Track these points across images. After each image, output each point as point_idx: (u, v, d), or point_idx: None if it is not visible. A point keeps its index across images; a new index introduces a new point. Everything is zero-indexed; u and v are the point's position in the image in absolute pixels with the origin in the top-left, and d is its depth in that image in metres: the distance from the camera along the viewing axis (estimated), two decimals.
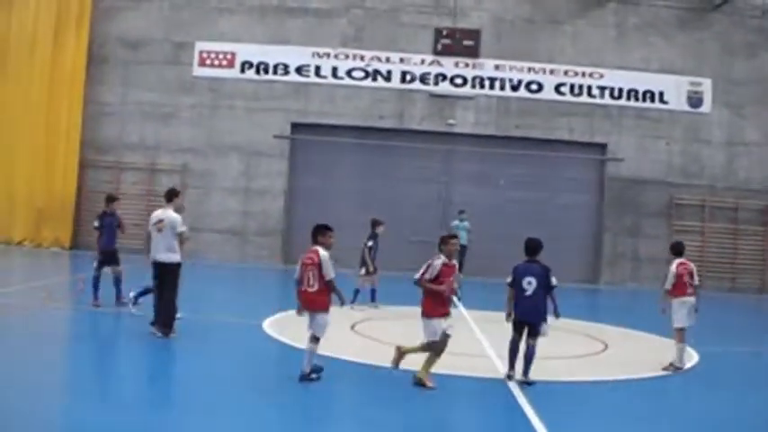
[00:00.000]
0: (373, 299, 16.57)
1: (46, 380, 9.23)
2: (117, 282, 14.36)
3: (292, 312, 14.80)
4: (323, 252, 9.66)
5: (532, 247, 10.37)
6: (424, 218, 24.85)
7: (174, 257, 11.96)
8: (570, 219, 25.10)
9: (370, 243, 16.58)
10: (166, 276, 11.94)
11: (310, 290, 9.59)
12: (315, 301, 9.61)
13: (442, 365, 10.42)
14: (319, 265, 9.52)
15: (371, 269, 16.43)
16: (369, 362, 10.93)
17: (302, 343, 11.63)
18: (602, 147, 25.66)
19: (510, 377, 10.13)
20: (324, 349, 10.23)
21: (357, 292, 16.26)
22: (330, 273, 9.52)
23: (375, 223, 16.85)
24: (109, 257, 14.31)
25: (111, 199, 14.87)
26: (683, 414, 9.73)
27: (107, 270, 14.34)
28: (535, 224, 24.60)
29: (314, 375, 9.60)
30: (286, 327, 13.26)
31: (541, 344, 10.39)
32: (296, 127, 25.61)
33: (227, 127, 25.36)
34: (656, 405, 10.02)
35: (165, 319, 11.87)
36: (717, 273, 24.75)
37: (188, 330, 12.19)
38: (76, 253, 24.21)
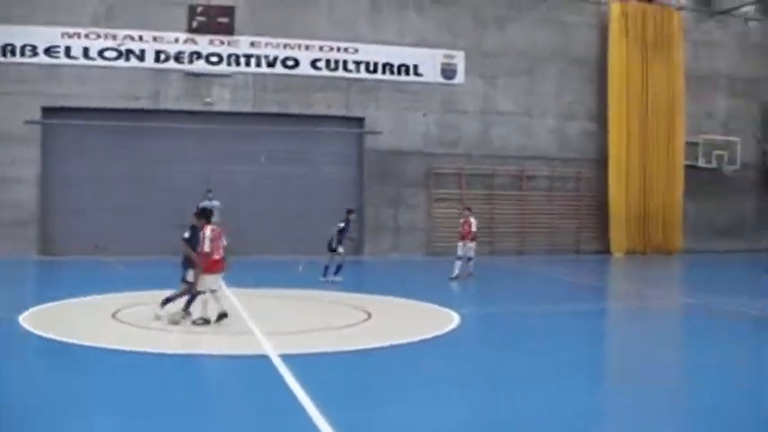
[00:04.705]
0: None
1: None
2: None
3: (53, 304, 14.94)
4: None
5: None
6: (187, 199, 25.11)
7: None
8: (332, 192, 26.26)
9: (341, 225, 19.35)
10: None
11: None
12: None
13: (207, 346, 11.16)
14: None
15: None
16: (128, 348, 11.14)
17: (66, 336, 11.79)
18: (360, 120, 26.97)
19: None
20: (79, 338, 10.82)
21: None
22: None
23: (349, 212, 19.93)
24: None
25: None
26: (447, 376, 10.22)
27: None
28: (298, 199, 25.88)
29: None
30: (45, 320, 13.26)
31: (304, 317, 12.13)
32: (48, 111, 25.44)
33: None
34: (420, 369, 10.61)
35: None
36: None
37: None
38: None
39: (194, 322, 12.80)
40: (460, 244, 20.91)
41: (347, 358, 11.08)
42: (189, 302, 13.54)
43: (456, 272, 20.28)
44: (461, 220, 21.54)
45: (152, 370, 10.18)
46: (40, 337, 12.00)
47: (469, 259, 20.84)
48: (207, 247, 12.63)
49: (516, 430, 7.81)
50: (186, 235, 13.60)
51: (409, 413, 8.31)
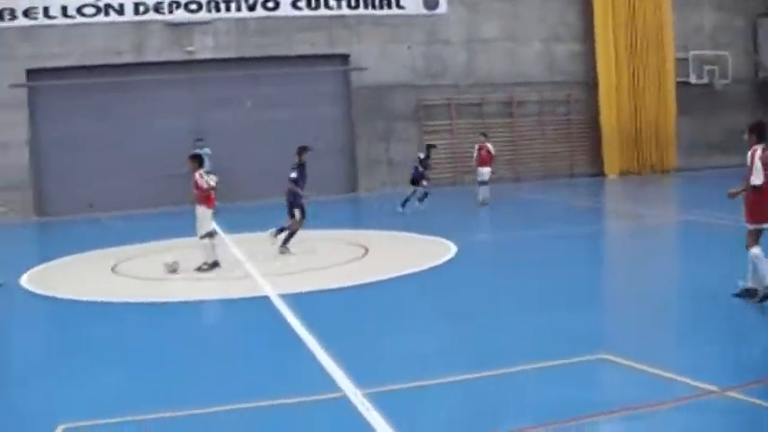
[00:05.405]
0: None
1: None
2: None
3: (52, 263, 15.15)
4: None
5: None
6: (178, 150, 25.17)
7: None
8: (322, 132, 26.16)
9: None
10: None
11: None
12: None
13: (208, 291, 11.43)
14: None
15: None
16: (131, 300, 11.41)
17: (69, 293, 11.95)
18: (345, 57, 26.88)
19: None
20: (80, 294, 11.04)
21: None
22: None
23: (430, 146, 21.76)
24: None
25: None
26: (446, 302, 10.54)
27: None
28: (288, 142, 25.53)
29: None
30: (46, 280, 13.39)
31: (302, 257, 12.85)
32: (32, 73, 25.35)
33: None
34: (417, 300, 10.88)
35: None
36: (468, 167, 26.39)
37: None
38: None
39: (199, 268, 13.15)
40: (482, 170, 21.70)
41: (345, 294, 11.34)
42: (286, 239, 14.72)
43: (483, 196, 21.39)
44: (477, 146, 22.01)
45: (157, 319, 10.42)
46: (43, 297, 12.08)
47: (482, 183, 21.34)
48: (211, 182, 13.36)
49: (518, 355, 7.72)
50: (293, 175, 14.94)
51: (407, 343, 8.47)
